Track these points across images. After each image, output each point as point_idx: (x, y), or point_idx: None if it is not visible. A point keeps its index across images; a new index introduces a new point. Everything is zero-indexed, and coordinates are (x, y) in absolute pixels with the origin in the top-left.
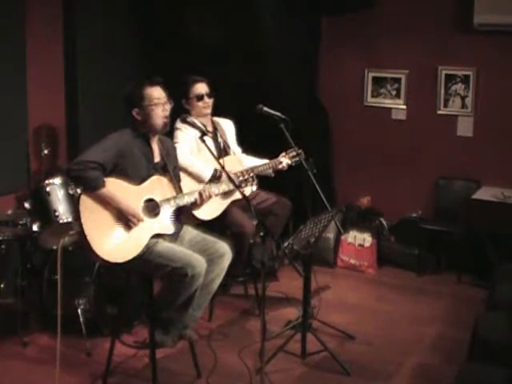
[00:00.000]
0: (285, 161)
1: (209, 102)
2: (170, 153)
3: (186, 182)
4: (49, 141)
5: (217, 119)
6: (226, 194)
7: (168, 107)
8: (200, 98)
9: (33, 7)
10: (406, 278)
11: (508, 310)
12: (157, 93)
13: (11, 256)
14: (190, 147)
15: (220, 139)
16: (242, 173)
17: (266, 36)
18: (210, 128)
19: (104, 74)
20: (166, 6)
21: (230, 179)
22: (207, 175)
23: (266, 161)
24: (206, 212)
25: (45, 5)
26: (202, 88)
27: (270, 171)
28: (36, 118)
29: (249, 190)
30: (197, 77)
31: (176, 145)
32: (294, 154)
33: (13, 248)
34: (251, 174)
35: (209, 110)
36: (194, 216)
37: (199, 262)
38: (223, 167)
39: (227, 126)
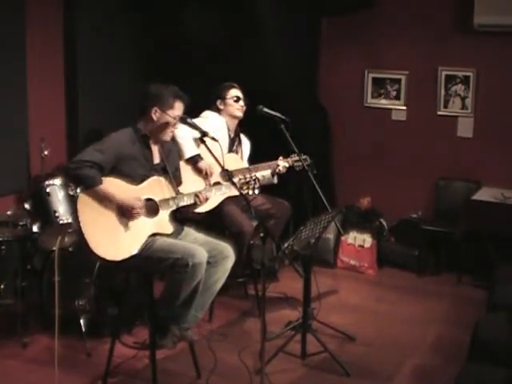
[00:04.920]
0: (281, 164)
1: (243, 106)
2: (170, 154)
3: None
4: (49, 141)
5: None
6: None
7: (176, 127)
8: (237, 99)
9: (33, 7)
10: (406, 279)
11: (508, 310)
12: (179, 111)
13: (11, 257)
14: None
15: (235, 146)
16: (243, 175)
17: (266, 36)
18: (232, 133)
19: (104, 73)
20: (166, 6)
21: (233, 184)
22: (187, 155)
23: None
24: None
25: (45, 5)
26: (238, 92)
27: (269, 174)
28: (36, 119)
29: (250, 192)
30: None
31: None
32: (296, 158)
33: (13, 249)
34: (253, 177)
35: (241, 114)
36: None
37: (199, 251)
38: (226, 169)
39: (245, 144)
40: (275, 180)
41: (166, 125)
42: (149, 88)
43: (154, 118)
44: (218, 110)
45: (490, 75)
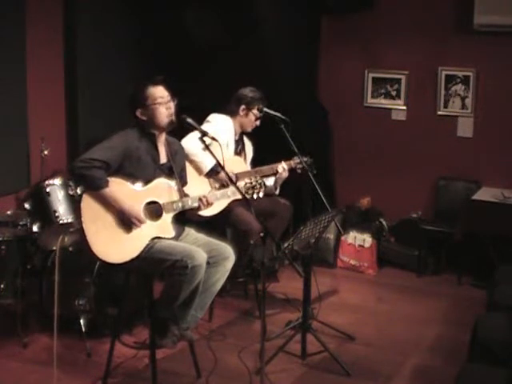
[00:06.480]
0: (280, 166)
1: (258, 125)
2: (177, 154)
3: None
4: (49, 141)
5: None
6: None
7: (172, 105)
8: (258, 118)
9: (33, 6)
10: (406, 279)
11: (508, 310)
12: (160, 92)
13: (11, 256)
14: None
15: (239, 149)
16: (250, 178)
17: (266, 36)
18: (237, 136)
19: (104, 73)
20: (166, 6)
21: (236, 187)
22: (206, 168)
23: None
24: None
25: (45, 4)
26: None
27: (271, 184)
28: (36, 119)
29: (255, 196)
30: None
31: (191, 133)
32: (298, 161)
33: (13, 248)
34: (259, 181)
35: (250, 130)
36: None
37: (199, 253)
38: (229, 176)
39: (248, 146)
40: (277, 191)
41: (158, 109)
42: (127, 97)
43: (144, 117)
44: (234, 113)
45: (490, 75)
